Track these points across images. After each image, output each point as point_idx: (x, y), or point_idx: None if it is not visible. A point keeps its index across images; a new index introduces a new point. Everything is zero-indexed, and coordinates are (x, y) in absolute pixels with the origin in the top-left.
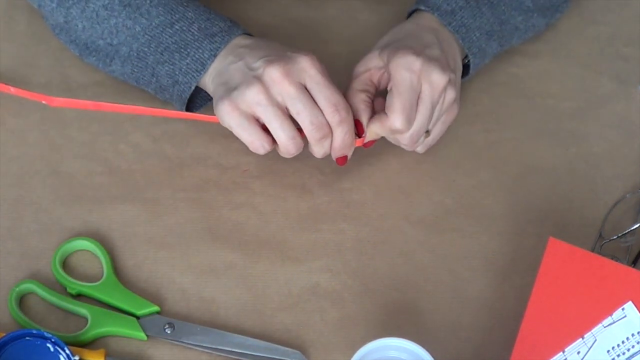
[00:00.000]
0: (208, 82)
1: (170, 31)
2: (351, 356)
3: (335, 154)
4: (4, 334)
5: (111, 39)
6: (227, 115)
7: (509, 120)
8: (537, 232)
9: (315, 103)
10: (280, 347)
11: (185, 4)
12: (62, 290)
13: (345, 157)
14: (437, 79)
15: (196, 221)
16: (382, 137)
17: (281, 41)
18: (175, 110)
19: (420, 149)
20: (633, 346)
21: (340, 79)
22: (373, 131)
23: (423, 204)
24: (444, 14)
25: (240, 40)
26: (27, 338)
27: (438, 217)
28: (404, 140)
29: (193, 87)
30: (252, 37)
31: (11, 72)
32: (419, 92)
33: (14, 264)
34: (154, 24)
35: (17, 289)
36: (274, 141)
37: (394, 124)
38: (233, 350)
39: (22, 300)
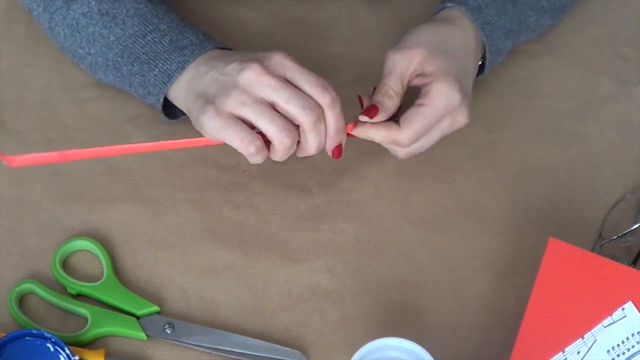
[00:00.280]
0: (179, 96)
1: (142, 42)
2: (351, 356)
3: (331, 141)
4: (4, 334)
5: (89, 48)
6: (212, 120)
7: (509, 120)
8: (537, 232)
9: (301, 91)
10: (280, 347)
11: (160, 16)
12: (62, 290)
13: (340, 146)
14: (462, 120)
15: (196, 221)
16: None
17: (281, 41)
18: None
19: (402, 155)
20: (633, 346)
21: (341, 79)
22: (372, 136)
23: (423, 204)
24: (471, 9)
25: (212, 53)
26: (27, 338)
27: (438, 217)
28: (399, 151)
29: (162, 99)
30: (225, 50)
31: (11, 72)
32: (440, 121)
33: (14, 264)
34: (127, 34)
35: (17, 289)
36: (265, 141)
37: (403, 138)
38: (233, 350)
39: (22, 300)
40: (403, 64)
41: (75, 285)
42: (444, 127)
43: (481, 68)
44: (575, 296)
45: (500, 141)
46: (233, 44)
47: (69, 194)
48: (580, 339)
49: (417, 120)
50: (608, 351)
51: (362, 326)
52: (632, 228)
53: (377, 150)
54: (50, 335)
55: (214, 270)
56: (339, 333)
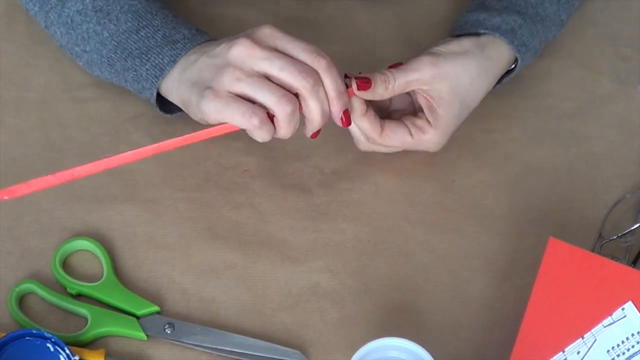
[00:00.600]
0: (172, 89)
1: (135, 37)
2: (351, 356)
3: (335, 106)
4: (4, 334)
5: (84, 46)
6: (212, 103)
7: (509, 120)
8: (537, 232)
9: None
10: (280, 347)
11: (154, 12)
12: (62, 290)
13: (347, 112)
14: (432, 149)
15: (196, 221)
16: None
17: None
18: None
19: (363, 148)
20: (633, 346)
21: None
22: (357, 121)
23: (423, 204)
24: (504, 33)
25: (203, 44)
26: (27, 338)
27: (438, 217)
28: (362, 144)
29: (154, 93)
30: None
31: (11, 72)
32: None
33: (14, 264)
34: (120, 30)
35: (17, 289)
36: (268, 115)
37: (381, 142)
38: (233, 350)
39: (22, 300)
40: (422, 80)
41: (75, 285)
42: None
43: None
44: (575, 296)
45: (500, 141)
46: None
47: (69, 194)
48: (580, 339)
49: (397, 137)
50: (608, 351)
51: (362, 326)
52: (632, 228)
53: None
54: (50, 335)
55: (214, 270)
56: (339, 333)
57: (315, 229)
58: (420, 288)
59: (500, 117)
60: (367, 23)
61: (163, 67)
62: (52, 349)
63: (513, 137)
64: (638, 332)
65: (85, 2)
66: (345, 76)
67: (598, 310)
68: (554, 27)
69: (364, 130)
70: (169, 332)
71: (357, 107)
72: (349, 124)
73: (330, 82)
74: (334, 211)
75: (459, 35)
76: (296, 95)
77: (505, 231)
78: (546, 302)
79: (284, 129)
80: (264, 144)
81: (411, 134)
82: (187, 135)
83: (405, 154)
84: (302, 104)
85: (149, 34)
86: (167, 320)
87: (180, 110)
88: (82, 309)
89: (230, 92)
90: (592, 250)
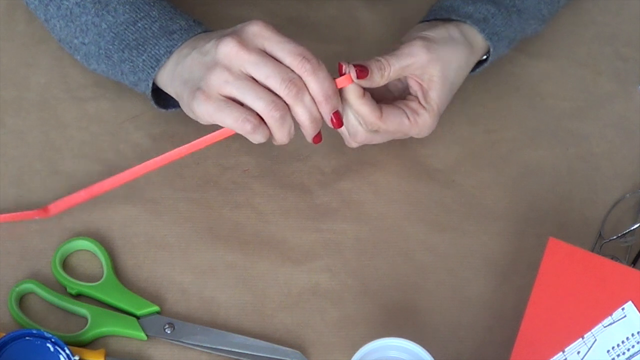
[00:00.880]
0: (167, 81)
1: (133, 29)
2: (351, 356)
3: (324, 109)
4: (4, 334)
5: (82, 38)
6: (203, 105)
7: (509, 120)
8: (537, 232)
9: (281, 63)
10: (280, 347)
11: (152, 3)
12: (62, 290)
13: (338, 114)
14: (424, 134)
15: (196, 221)
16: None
17: None
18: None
19: (355, 144)
20: (633, 346)
21: None
22: (355, 105)
23: (423, 203)
24: (476, 21)
25: (198, 36)
26: (27, 338)
27: (438, 217)
28: (360, 135)
29: (151, 84)
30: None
31: (11, 72)
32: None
33: (14, 264)
34: (118, 21)
35: (17, 289)
36: (260, 118)
37: (381, 126)
38: (233, 350)
39: (22, 300)
40: (417, 65)
41: (75, 285)
42: (408, 134)
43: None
44: (575, 296)
45: (500, 141)
46: None
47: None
48: (580, 339)
49: (396, 120)
50: (608, 351)
51: (362, 326)
52: (632, 228)
53: (377, 150)
54: (50, 335)
55: (214, 270)
56: (339, 333)
57: (315, 229)
58: (420, 288)
59: (500, 117)
60: (367, 22)
61: (159, 58)
62: (52, 349)
63: (513, 137)
64: (638, 332)
65: None
66: (341, 65)
67: (598, 310)
68: (533, 20)
69: (364, 115)
70: (169, 332)
71: (355, 91)
72: (340, 125)
73: (316, 86)
74: (334, 211)
75: (431, 21)
76: None
77: (505, 231)
78: (546, 302)
79: (277, 134)
80: (264, 144)
81: (408, 117)
82: (194, 142)
83: (405, 153)
84: (291, 110)
85: (146, 25)
86: (167, 320)
87: (176, 105)
88: (82, 309)
89: (220, 95)
90: (592, 250)
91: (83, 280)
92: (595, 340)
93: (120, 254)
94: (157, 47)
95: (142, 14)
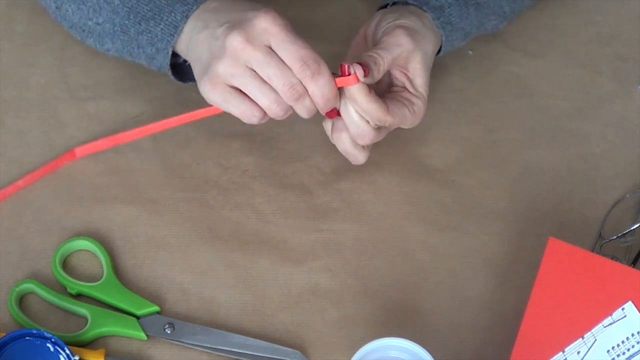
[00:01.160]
0: (184, 49)
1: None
2: (351, 356)
3: (322, 109)
4: (4, 334)
5: (97, 18)
6: (210, 93)
7: (509, 120)
8: (537, 232)
9: (285, 63)
10: (280, 347)
11: None
12: (62, 290)
13: (334, 110)
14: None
15: (196, 221)
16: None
17: None
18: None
19: (363, 159)
20: (633, 346)
21: None
22: (363, 103)
23: (423, 203)
24: (432, 9)
25: (209, 4)
26: (27, 338)
27: (438, 216)
28: (362, 152)
29: (170, 52)
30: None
31: (11, 72)
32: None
33: (14, 264)
34: None
35: (17, 289)
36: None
37: (388, 120)
38: (233, 350)
39: (22, 300)
40: (404, 54)
41: (75, 285)
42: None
43: None
44: (575, 296)
45: (500, 141)
46: None
47: (69, 194)
48: (580, 339)
49: (400, 112)
50: (608, 351)
51: (362, 326)
52: (632, 228)
53: (377, 149)
54: (50, 335)
55: (214, 270)
56: (339, 333)
57: (315, 229)
58: (420, 288)
59: (500, 117)
60: None
61: (177, 24)
62: (52, 349)
63: (513, 137)
64: (638, 332)
65: None
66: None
67: (598, 310)
68: (494, 16)
69: (373, 111)
70: (169, 332)
71: (362, 90)
72: (336, 114)
73: (316, 92)
74: (334, 211)
75: (392, 5)
76: None
77: (505, 231)
78: (546, 302)
79: (280, 118)
80: (264, 144)
81: (407, 107)
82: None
83: (405, 153)
84: (293, 108)
85: None
86: (167, 320)
87: (192, 79)
88: (82, 309)
89: (227, 84)
90: (592, 250)
91: (83, 280)
92: (595, 340)
93: (120, 254)
94: (173, 14)
95: None
